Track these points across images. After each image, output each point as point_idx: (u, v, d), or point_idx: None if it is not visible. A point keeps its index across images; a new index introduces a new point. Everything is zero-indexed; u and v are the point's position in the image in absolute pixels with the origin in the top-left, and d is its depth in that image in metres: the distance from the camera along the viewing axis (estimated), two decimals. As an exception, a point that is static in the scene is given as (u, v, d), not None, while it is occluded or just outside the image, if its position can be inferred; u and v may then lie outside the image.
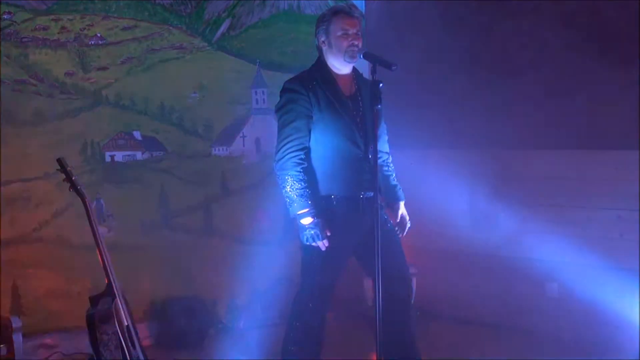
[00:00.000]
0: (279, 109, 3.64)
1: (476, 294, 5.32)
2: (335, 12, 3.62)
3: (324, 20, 3.63)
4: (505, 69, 5.13)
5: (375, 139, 3.40)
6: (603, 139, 4.70)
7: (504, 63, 5.14)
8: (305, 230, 3.53)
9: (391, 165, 3.91)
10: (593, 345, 4.58)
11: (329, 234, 3.54)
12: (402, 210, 3.86)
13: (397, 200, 3.86)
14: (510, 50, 5.11)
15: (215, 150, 5.34)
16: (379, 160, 3.78)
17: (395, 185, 3.88)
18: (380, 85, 3.34)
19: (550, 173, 4.94)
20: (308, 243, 3.56)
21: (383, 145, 3.86)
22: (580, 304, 4.73)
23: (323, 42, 3.64)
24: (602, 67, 4.68)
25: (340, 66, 3.65)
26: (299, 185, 3.52)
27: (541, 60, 4.96)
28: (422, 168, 5.47)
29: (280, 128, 3.61)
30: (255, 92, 5.50)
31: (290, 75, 3.75)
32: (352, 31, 3.57)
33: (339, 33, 3.57)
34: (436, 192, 5.41)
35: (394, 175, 3.90)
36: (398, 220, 3.83)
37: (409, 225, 3.85)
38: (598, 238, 4.71)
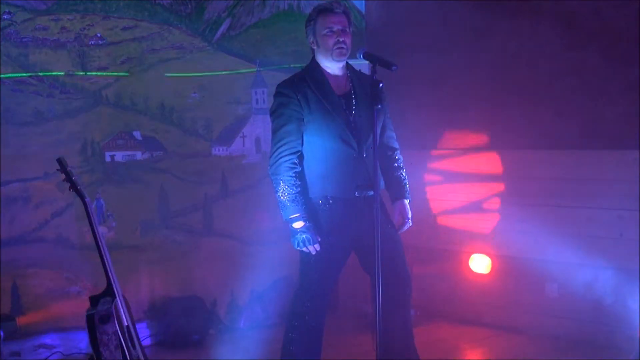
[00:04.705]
0: (271, 113, 3.62)
1: (476, 293, 5.32)
2: (320, 11, 3.57)
3: (310, 20, 3.60)
4: (505, 69, 5.13)
5: (375, 138, 3.35)
6: (603, 139, 4.69)
7: (503, 63, 5.14)
8: (297, 234, 3.51)
9: (399, 162, 3.77)
10: (593, 345, 4.58)
11: (319, 239, 3.53)
12: (403, 208, 3.71)
13: (398, 198, 3.73)
14: (510, 50, 5.11)
15: (215, 150, 5.34)
16: (385, 157, 3.74)
17: (399, 183, 3.74)
18: (380, 85, 3.32)
19: (550, 173, 4.93)
20: (299, 248, 3.55)
21: (389, 141, 3.77)
22: (580, 304, 4.73)
23: (312, 42, 3.61)
24: (602, 67, 4.68)
25: (331, 65, 3.60)
26: (291, 190, 3.51)
27: (541, 60, 4.96)
28: (421, 168, 5.47)
29: (273, 132, 3.59)
30: (255, 92, 5.50)
31: (290, 75, 3.74)
32: (337, 28, 3.52)
33: (324, 31, 3.53)
34: (435, 192, 5.41)
35: (400, 172, 3.75)
36: (396, 219, 3.71)
37: (409, 224, 3.71)
38: (598, 238, 4.70)
